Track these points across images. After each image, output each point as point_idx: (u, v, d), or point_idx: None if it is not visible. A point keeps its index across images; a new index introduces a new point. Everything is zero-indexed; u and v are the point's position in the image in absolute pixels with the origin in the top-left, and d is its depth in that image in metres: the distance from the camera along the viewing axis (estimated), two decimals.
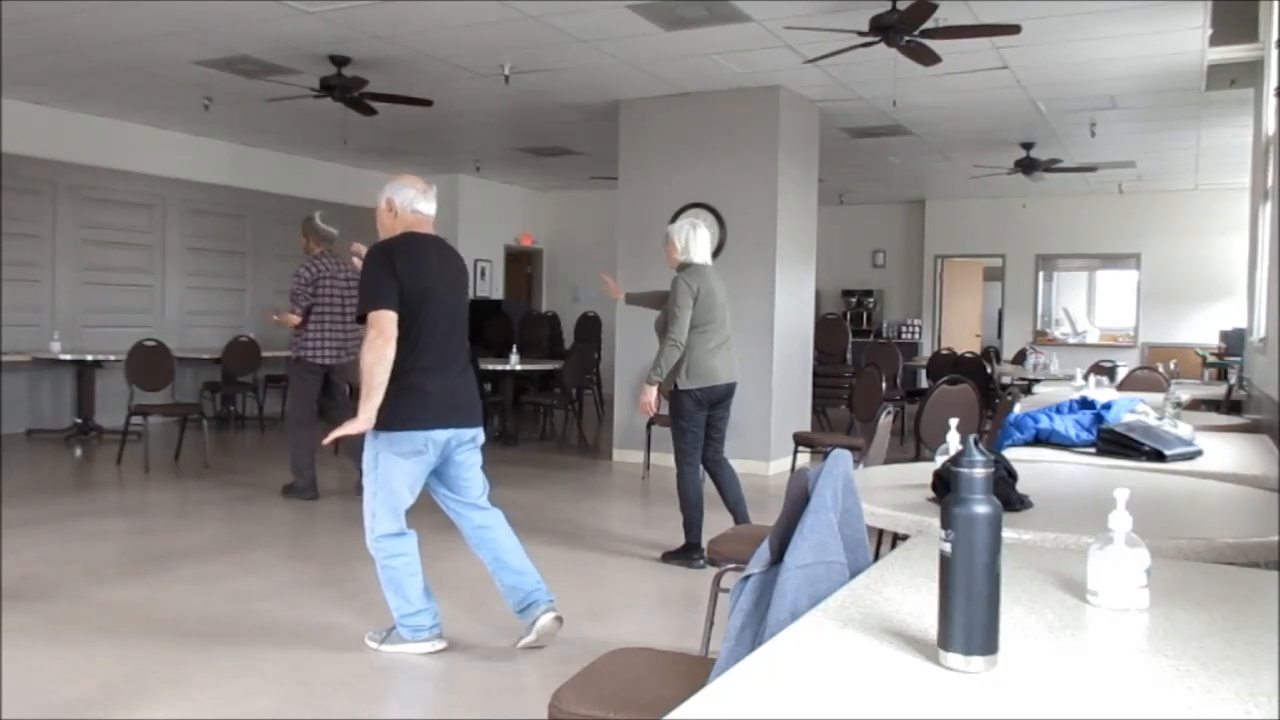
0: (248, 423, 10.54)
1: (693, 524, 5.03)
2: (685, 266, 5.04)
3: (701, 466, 5.22)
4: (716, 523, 4.67)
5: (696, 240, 5.08)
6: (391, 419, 3.45)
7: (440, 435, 3.54)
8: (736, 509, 5.10)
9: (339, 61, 7.30)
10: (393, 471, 3.52)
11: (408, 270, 3.47)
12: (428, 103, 7.98)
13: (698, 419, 5.01)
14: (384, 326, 3.41)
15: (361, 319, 3.51)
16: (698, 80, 7.93)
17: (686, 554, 5.03)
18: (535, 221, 14.79)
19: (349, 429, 3.41)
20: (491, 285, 13.86)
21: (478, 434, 3.70)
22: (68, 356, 8.94)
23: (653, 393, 5.03)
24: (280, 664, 3.58)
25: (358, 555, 5.17)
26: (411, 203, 3.63)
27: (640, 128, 8.62)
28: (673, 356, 4.93)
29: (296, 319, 6.38)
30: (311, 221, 6.61)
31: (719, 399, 5.08)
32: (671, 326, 4.94)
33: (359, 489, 6.66)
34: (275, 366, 11.32)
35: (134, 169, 10.16)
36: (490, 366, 9.13)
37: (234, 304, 11.37)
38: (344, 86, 7.42)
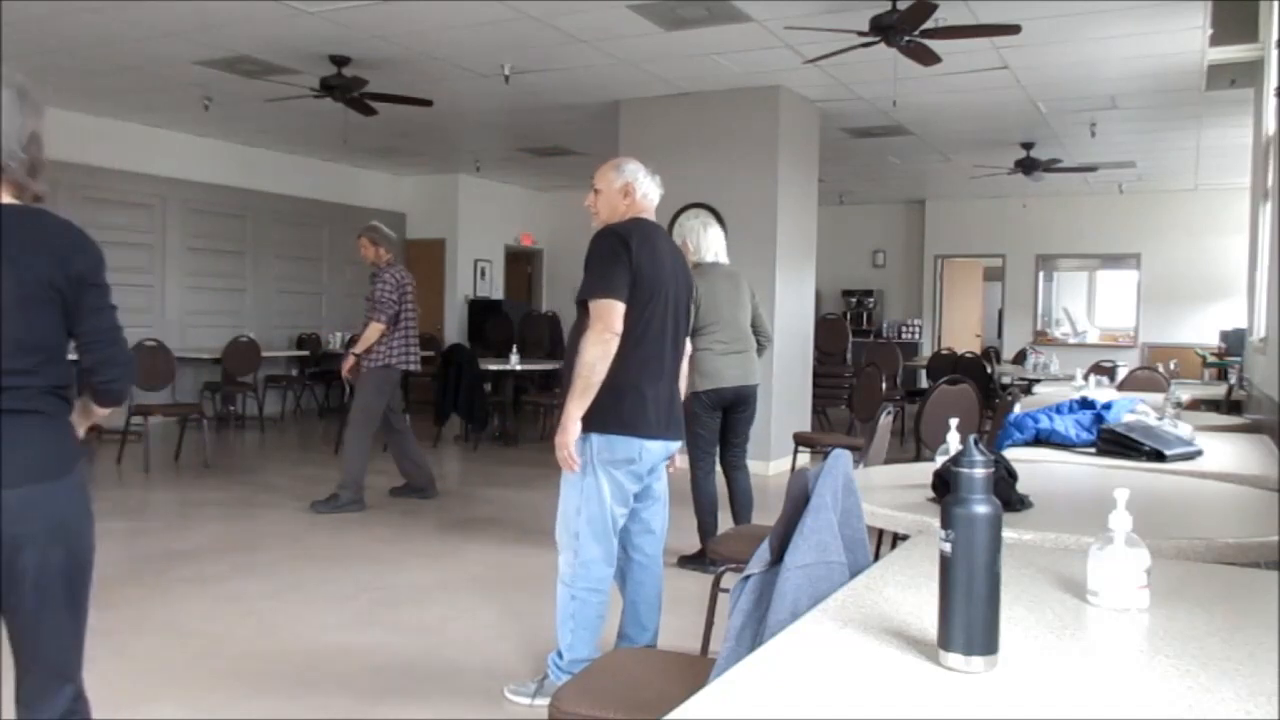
0: (248, 423, 10.54)
1: (707, 530, 4.96)
2: (696, 267, 4.92)
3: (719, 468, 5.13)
4: (725, 525, 4.65)
5: (707, 239, 4.98)
6: (608, 421, 3.05)
7: (656, 448, 3.16)
8: (740, 514, 5.05)
9: (339, 61, 7.30)
10: (604, 482, 3.10)
11: (643, 260, 3.06)
12: (428, 103, 7.98)
13: (707, 422, 4.93)
14: (612, 320, 2.99)
15: (582, 305, 3.09)
16: (698, 80, 7.93)
17: (703, 559, 4.92)
18: (535, 221, 14.78)
19: (562, 436, 3.02)
20: (491, 285, 13.86)
21: (674, 450, 3.34)
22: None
23: None
24: (280, 664, 3.58)
25: (357, 556, 5.20)
26: (647, 190, 3.25)
27: (640, 128, 8.62)
28: None
29: (381, 328, 6.17)
30: (379, 230, 6.42)
31: (729, 402, 4.96)
32: None
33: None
34: (275, 366, 11.36)
35: (134, 169, 10.16)
36: (490, 366, 9.13)
37: (234, 304, 11.37)
38: (344, 86, 7.42)
